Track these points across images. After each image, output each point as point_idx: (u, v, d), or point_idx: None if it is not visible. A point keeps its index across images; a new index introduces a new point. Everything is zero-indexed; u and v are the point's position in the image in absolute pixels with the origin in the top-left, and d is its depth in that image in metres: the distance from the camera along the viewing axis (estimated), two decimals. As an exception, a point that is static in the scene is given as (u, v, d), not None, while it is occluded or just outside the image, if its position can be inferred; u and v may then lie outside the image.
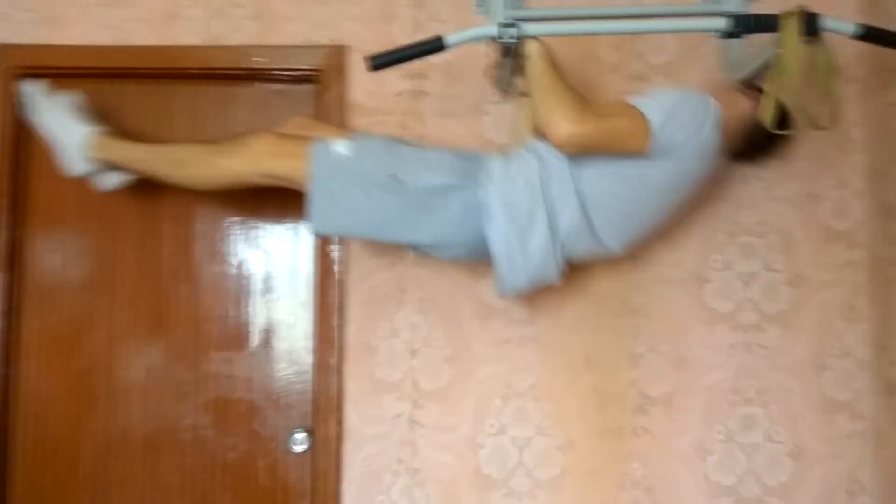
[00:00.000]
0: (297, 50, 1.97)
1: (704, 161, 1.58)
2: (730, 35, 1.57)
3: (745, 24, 1.54)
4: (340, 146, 1.58)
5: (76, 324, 1.98)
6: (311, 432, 1.92)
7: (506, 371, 1.90)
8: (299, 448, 1.92)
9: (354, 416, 1.90)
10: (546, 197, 1.55)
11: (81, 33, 1.99)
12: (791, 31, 1.48)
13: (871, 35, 1.54)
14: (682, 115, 1.51)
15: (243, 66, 1.95)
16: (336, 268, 1.92)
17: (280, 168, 1.60)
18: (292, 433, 1.92)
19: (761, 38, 1.70)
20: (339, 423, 1.89)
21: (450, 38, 1.55)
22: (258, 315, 1.99)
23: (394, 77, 1.97)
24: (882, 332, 1.85)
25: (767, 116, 1.54)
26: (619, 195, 1.56)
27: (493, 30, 1.54)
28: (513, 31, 1.52)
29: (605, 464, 1.89)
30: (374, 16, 1.99)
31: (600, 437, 1.89)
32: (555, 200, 1.55)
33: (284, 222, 2.02)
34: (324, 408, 1.89)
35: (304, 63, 1.96)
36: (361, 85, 1.97)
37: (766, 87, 1.55)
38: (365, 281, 1.93)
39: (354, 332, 1.92)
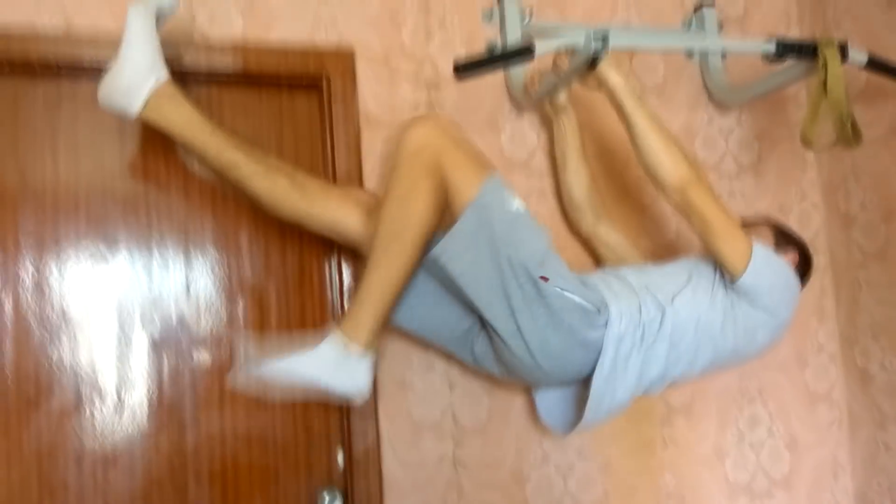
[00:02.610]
0: (297, 52, 1.71)
1: (780, 334, 1.60)
2: (776, 59, 1.67)
3: (790, 49, 1.65)
4: (515, 201, 1.36)
5: None
6: (343, 492, 1.67)
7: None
8: (331, 512, 1.65)
9: (395, 465, 1.69)
10: (644, 346, 1.46)
11: None
12: (834, 58, 1.61)
13: (876, 65, 1.74)
14: (786, 289, 1.55)
15: (231, 68, 1.65)
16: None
17: (451, 178, 1.33)
18: (318, 495, 1.65)
19: (736, 67, 1.92)
20: (379, 474, 1.66)
21: (539, 47, 1.45)
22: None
23: (406, 88, 1.81)
24: (849, 328, 2.09)
25: (810, 137, 1.66)
26: (696, 346, 1.51)
27: (580, 40, 1.47)
28: (599, 43, 1.47)
29: (642, 479, 1.89)
30: (382, 19, 1.81)
31: (634, 454, 1.89)
32: (649, 352, 1.47)
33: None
34: (360, 459, 1.65)
35: (307, 67, 1.72)
36: (372, 95, 1.78)
37: (810, 108, 1.67)
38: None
39: (387, 367, 1.71)
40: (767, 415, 2.03)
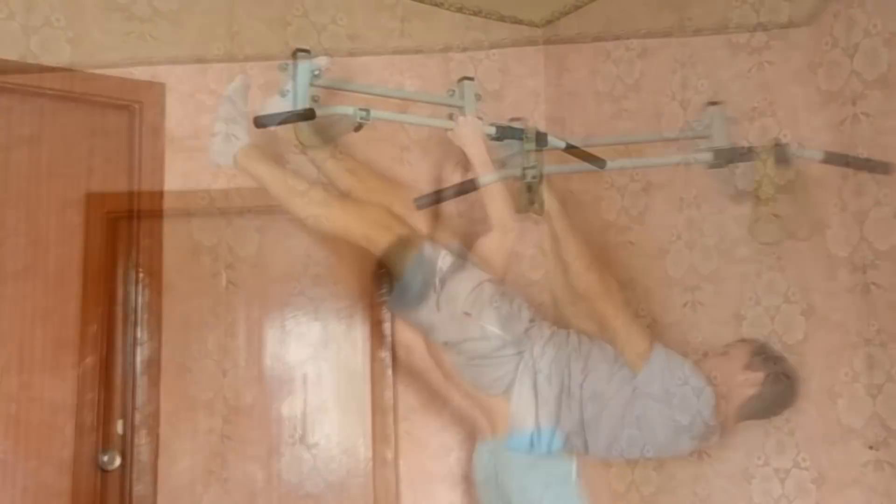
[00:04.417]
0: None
1: (686, 438, 1.76)
2: (715, 166, 1.91)
3: (728, 157, 1.88)
4: (443, 259, 1.88)
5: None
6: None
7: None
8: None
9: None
10: (560, 394, 1.81)
11: None
12: (766, 162, 1.75)
13: (834, 159, 1.78)
14: (677, 391, 1.71)
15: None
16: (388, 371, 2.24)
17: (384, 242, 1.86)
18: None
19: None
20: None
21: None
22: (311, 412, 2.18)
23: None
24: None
25: (755, 234, 1.83)
26: (608, 411, 1.79)
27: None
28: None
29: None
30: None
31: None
32: (561, 401, 1.82)
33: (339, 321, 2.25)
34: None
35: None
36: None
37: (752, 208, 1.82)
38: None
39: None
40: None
